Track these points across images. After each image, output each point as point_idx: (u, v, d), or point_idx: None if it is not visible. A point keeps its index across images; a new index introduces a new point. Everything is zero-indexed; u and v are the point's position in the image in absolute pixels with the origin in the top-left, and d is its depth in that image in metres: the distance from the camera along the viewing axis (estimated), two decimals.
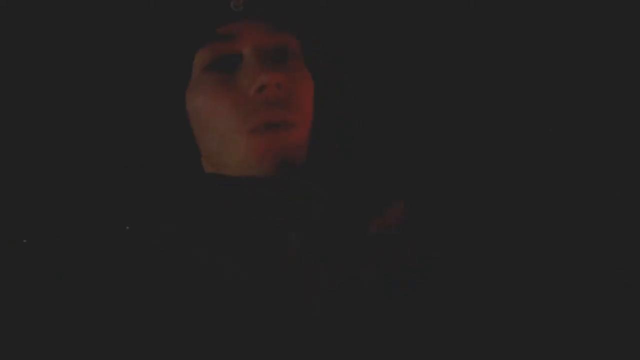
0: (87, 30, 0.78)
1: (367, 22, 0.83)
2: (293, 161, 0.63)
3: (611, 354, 0.64)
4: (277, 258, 0.58)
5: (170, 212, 0.63)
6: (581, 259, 0.72)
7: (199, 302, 0.57)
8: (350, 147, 0.69)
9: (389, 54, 0.83)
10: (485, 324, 0.60)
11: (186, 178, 0.65)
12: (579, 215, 0.78)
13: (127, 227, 0.64)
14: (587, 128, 0.84)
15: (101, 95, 0.78)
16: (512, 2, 0.86)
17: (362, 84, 0.72)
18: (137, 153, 0.69)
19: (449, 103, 0.84)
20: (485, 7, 0.85)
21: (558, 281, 0.67)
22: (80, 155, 0.77)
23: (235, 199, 0.62)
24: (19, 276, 0.60)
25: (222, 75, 0.64)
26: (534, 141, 0.84)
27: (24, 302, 0.58)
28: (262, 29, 0.64)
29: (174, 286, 0.58)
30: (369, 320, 0.58)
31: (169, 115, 0.66)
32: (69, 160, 0.77)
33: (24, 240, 0.64)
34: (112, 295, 0.58)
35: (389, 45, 0.84)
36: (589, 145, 0.84)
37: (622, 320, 0.66)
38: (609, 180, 0.81)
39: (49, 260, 0.61)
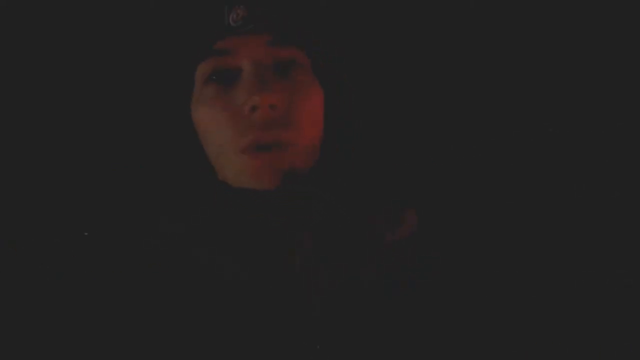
0: (93, 39, 0.79)
1: (367, 26, 0.83)
2: (292, 177, 0.61)
3: (611, 354, 0.63)
4: (277, 258, 0.58)
5: (170, 213, 0.63)
6: (581, 259, 0.72)
7: (198, 302, 0.57)
8: (350, 147, 0.68)
9: (387, 55, 0.83)
10: (485, 324, 0.60)
11: (188, 181, 0.66)
12: (579, 216, 0.78)
13: (128, 227, 0.64)
14: (587, 128, 0.84)
15: (105, 97, 0.79)
16: (512, 2, 0.86)
17: (362, 84, 0.72)
18: (141, 157, 0.69)
19: (449, 104, 0.84)
20: (486, 8, 0.85)
21: (558, 281, 0.67)
22: (83, 157, 0.78)
23: (235, 200, 0.62)
24: (19, 276, 0.61)
25: (220, 88, 0.63)
26: (534, 141, 0.84)
27: (24, 302, 0.59)
28: (262, 43, 0.62)
29: (174, 286, 0.58)
30: (368, 321, 0.58)
31: (174, 124, 0.66)
32: (78, 163, 0.78)
33: (85, 233, 0.64)
34: (112, 296, 0.59)
35: (388, 46, 0.83)
36: (589, 145, 0.83)
37: (622, 320, 0.66)
38: (609, 181, 0.81)
39: (49, 260, 0.62)
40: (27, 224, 0.72)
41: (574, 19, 0.85)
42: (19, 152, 0.78)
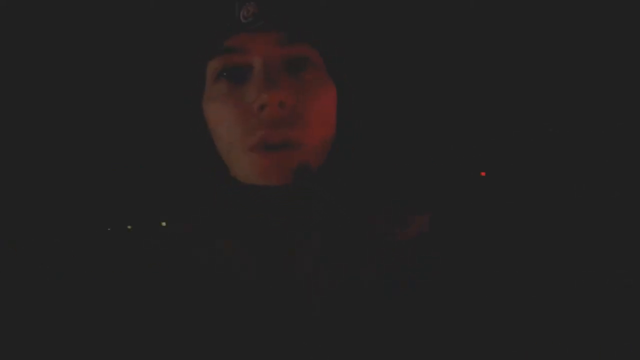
0: (104, 37, 0.78)
1: (380, 24, 0.82)
2: (301, 175, 0.61)
3: (611, 354, 0.64)
4: (278, 257, 0.59)
5: (175, 210, 0.63)
6: (581, 259, 0.72)
7: (198, 302, 0.58)
8: (350, 147, 0.67)
9: (390, 55, 0.83)
10: (485, 325, 0.60)
11: (198, 178, 0.65)
12: (579, 216, 0.79)
13: (130, 227, 0.64)
14: (588, 128, 0.85)
15: (116, 94, 0.78)
16: (513, 4, 0.86)
17: (373, 83, 0.71)
18: (152, 154, 0.69)
19: (450, 104, 0.84)
20: (489, 12, 0.85)
21: (558, 282, 0.67)
22: (93, 154, 0.78)
23: (236, 200, 0.62)
24: (20, 276, 0.61)
25: (231, 85, 0.63)
26: (533, 141, 0.84)
27: (25, 302, 0.59)
28: (273, 40, 0.61)
29: (175, 286, 0.59)
30: (368, 321, 0.58)
31: (186, 121, 0.66)
32: (88, 160, 0.78)
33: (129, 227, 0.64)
34: (113, 296, 0.60)
35: (390, 47, 0.83)
36: (590, 146, 0.84)
37: (622, 320, 0.67)
38: (610, 180, 0.82)
39: (51, 260, 0.61)
40: (30, 224, 0.71)
41: (574, 20, 0.86)
42: (31, 152, 0.78)
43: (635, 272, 0.72)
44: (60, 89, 0.76)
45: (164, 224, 0.64)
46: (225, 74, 0.63)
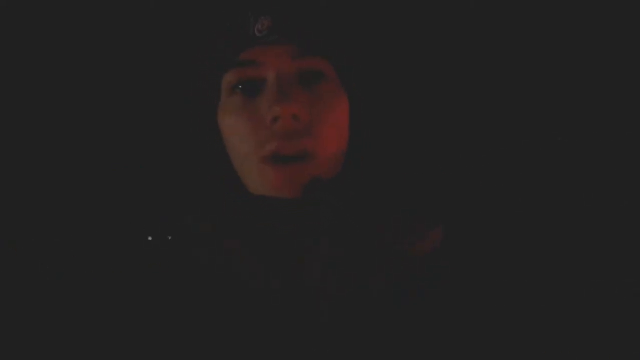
0: (122, 48, 0.79)
1: (394, 38, 0.82)
2: (313, 187, 0.61)
3: (611, 353, 0.64)
4: (287, 265, 0.59)
5: (184, 220, 0.64)
6: (599, 277, 0.72)
7: (208, 309, 0.59)
8: (359, 155, 0.67)
9: (402, 68, 0.83)
10: (492, 333, 0.60)
11: (211, 189, 0.66)
12: (598, 232, 0.78)
13: (131, 229, 0.65)
14: (597, 137, 0.84)
15: (134, 105, 0.79)
16: (519, 8, 0.85)
17: (376, 96, 0.72)
18: (164, 162, 0.70)
19: (464, 117, 0.84)
20: (505, 24, 0.85)
21: (565, 288, 0.66)
22: (112, 161, 0.79)
23: (246, 209, 0.62)
24: (20, 276, 0.62)
25: (246, 98, 0.63)
26: (542, 150, 0.84)
27: (25, 302, 0.60)
28: (287, 53, 0.62)
29: (183, 293, 0.60)
30: (376, 329, 0.58)
31: (201, 133, 0.67)
32: (105, 167, 0.79)
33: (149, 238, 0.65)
34: (114, 296, 0.60)
35: (403, 60, 0.83)
36: (599, 154, 0.83)
37: (622, 320, 0.67)
38: (621, 190, 0.81)
39: (55, 260, 0.62)
40: (36, 224, 0.72)
41: (587, 28, 0.85)
42: (37, 154, 0.79)
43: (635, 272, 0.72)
44: (77, 102, 0.77)
45: (150, 238, 0.65)
46: (240, 87, 0.64)
